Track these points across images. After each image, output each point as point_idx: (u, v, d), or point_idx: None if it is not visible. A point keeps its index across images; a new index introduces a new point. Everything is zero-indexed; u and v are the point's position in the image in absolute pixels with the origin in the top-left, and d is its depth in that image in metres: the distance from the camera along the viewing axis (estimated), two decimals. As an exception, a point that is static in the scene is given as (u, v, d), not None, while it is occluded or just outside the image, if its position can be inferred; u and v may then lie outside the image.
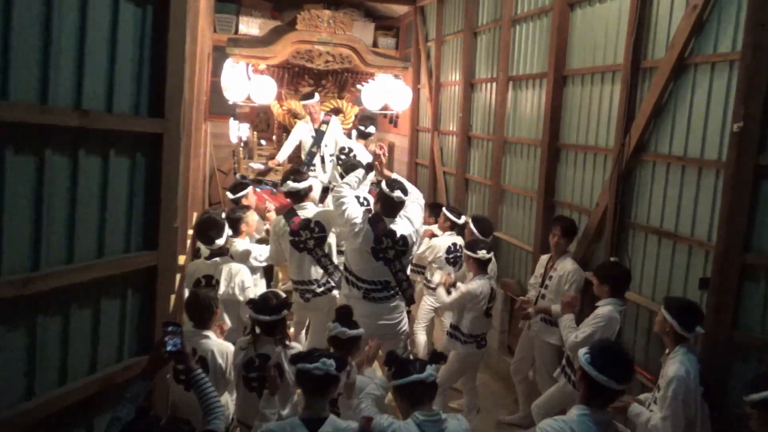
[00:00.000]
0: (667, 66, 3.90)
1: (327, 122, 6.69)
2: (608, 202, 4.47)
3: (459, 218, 5.63)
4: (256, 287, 4.62)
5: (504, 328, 6.14)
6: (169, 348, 2.28)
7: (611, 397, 2.42)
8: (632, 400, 3.26)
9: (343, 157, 6.15)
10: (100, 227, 2.27)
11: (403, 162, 9.76)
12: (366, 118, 6.61)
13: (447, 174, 8.01)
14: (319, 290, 4.54)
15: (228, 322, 4.08)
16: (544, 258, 4.89)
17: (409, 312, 4.45)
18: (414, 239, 4.13)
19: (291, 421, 2.53)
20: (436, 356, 2.71)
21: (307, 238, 4.45)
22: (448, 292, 4.74)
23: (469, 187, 7.32)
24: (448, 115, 8.01)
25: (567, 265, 4.57)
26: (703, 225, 3.73)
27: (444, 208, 5.74)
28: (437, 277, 5.11)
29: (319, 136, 6.62)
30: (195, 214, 6.16)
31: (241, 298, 4.05)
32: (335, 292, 4.58)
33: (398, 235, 4.03)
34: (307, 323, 5.02)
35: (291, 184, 4.47)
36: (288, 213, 4.52)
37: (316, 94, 6.73)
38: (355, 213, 4.06)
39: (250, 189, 5.44)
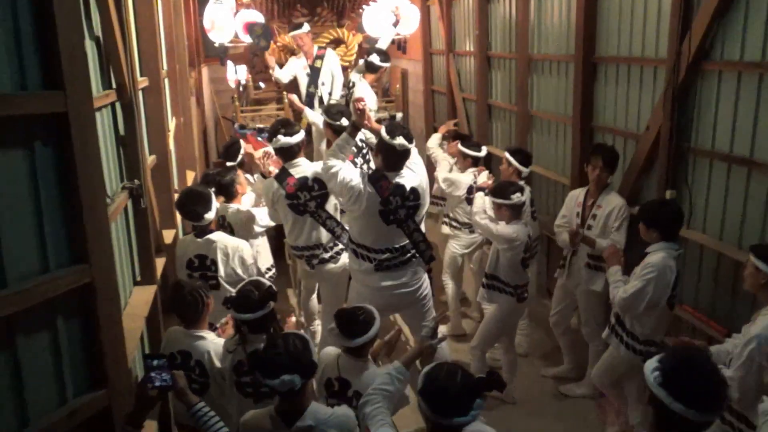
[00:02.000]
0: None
1: (321, 57, 5.88)
2: (661, 124, 3.70)
3: (479, 151, 4.93)
4: (259, 255, 4.10)
5: (542, 269, 5.55)
6: (157, 384, 1.97)
7: (690, 428, 1.74)
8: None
9: (343, 92, 5.42)
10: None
11: (417, 90, 8.91)
12: (378, 51, 5.63)
13: (467, 101, 7.19)
14: (326, 255, 3.98)
15: None
16: (576, 193, 4.17)
17: (430, 270, 3.87)
18: (425, 188, 3.49)
19: (269, 410, 2.17)
20: (491, 381, 1.95)
21: (307, 200, 3.85)
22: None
23: (493, 114, 6.53)
24: (463, 33, 7.09)
25: (614, 200, 3.87)
26: (789, 148, 2.96)
27: (460, 144, 4.99)
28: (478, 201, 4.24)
29: (314, 73, 5.84)
30: (192, 176, 5.57)
31: (245, 276, 3.53)
32: (344, 259, 4.01)
33: (407, 189, 3.38)
34: (316, 288, 4.51)
35: (282, 139, 3.81)
36: (280, 174, 3.89)
37: (306, 24, 5.88)
38: (350, 175, 3.41)
39: (243, 147, 4.81)
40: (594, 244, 3.84)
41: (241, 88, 7.86)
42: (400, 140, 3.28)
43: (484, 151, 4.98)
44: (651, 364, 1.81)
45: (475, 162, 4.92)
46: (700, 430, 1.77)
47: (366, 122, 3.47)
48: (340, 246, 3.99)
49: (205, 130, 8.37)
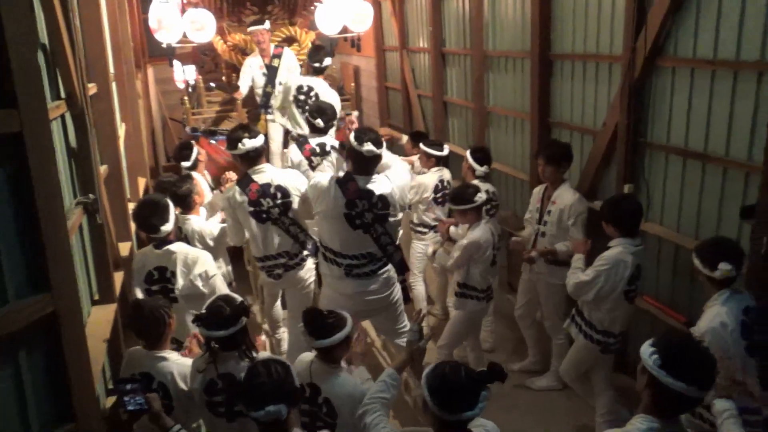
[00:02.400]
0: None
1: (279, 55, 5.77)
2: (618, 120, 3.78)
3: (441, 150, 4.89)
4: (220, 269, 3.96)
5: (503, 263, 5.61)
6: (130, 408, 1.99)
7: (687, 404, 1.88)
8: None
9: (301, 97, 5.31)
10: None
11: (371, 87, 8.87)
12: (316, 50, 5.59)
13: (422, 98, 7.20)
14: (291, 262, 3.88)
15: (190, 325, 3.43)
16: (538, 189, 4.22)
17: (404, 281, 3.83)
18: (397, 198, 3.43)
19: None
20: (494, 373, 1.99)
21: (270, 207, 3.74)
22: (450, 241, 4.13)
23: (449, 111, 6.55)
24: (416, 29, 7.09)
25: (566, 196, 3.91)
26: (741, 142, 3.08)
27: (422, 144, 4.95)
28: (429, 249, 4.46)
29: (271, 72, 5.72)
30: (143, 182, 5.35)
31: (206, 291, 3.38)
32: (310, 262, 3.94)
33: (376, 195, 3.33)
34: (280, 294, 4.40)
35: (247, 143, 3.66)
36: (242, 180, 3.75)
37: (267, 21, 5.76)
38: (321, 176, 3.36)
39: (195, 151, 4.64)
40: (555, 254, 3.88)
41: (190, 89, 7.61)
42: (368, 146, 3.23)
43: (446, 150, 4.96)
44: (646, 348, 1.92)
45: (438, 161, 4.90)
46: (693, 406, 1.90)
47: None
48: (306, 252, 3.91)
49: (153, 133, 8.07)
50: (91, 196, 2.74)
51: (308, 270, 3.96)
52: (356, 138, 3.27)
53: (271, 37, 6.29)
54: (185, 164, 4.67)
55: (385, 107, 8.49)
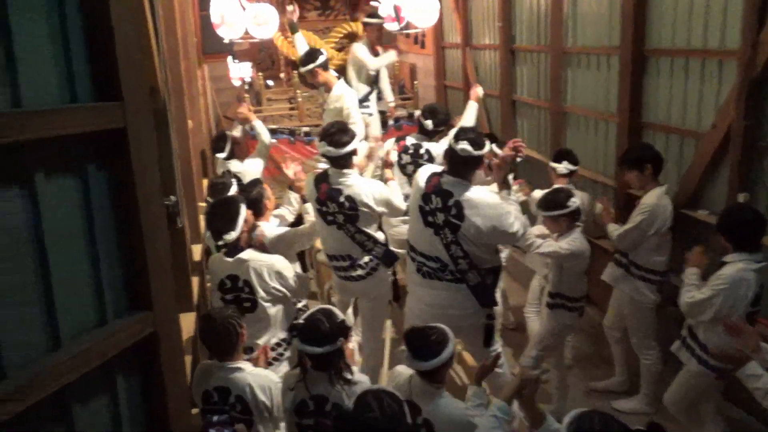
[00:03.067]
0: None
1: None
2: (732, 122, 3.41)
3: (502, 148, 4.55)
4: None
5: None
6: None
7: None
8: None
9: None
10: (47, 301, 1.35)
11: (428, 86, 8.57)
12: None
13: (487, 96, 6.86)
14: (355, 273, 3.64)
15: (279, 317, 3.21)
16: None
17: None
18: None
19: None
20: None
21: (335, 212, 3.53)
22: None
23: (518, 110, 6.22)
24: (482, 25, 6.77)
25: (648, 198, 3.60)
26: None
27: (494, 145, 4.54)
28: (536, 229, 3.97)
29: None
30: (205, 183, 5.21)
31: (287, 292, 3.17)
32: (383, 272, 3.68)
33: (453, 198, 3.03)
34: (353, 302, 4.18)
35: (328, 148, 3.45)
36: (319, 177, 3.60)
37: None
38: (427, 167, 3.36)
39: (229, 140, 4.54)
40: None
41: (246, 86, 7.49)
42: (462, 145, 2.96)
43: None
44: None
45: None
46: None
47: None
48: (374, 261, 3.64)
49: (209, 131, 7.98)
50: (172, 198, 2.56)
51: (381, 280, 3.71)
52: (455, 136, 3.02)
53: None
54: (220, 155, 4.60)
55: (443, 107, 8.19)
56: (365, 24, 5.83)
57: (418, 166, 4.25)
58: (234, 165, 4.69)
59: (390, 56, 5.86)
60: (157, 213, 1.58)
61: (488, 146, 3.18)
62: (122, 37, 1.45)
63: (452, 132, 3.15)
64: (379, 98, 5.89)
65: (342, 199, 3.49)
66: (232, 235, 3.06)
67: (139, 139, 1.50)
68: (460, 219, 3.00)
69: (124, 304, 1.57)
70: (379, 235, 3.64)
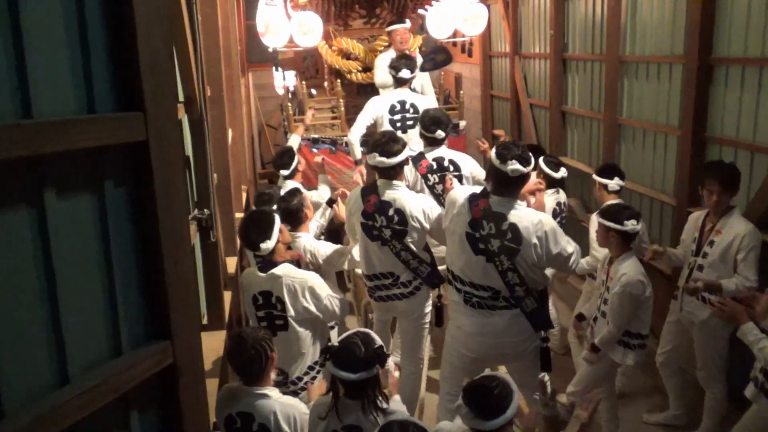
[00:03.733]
0: None
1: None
2: (813, 138, 3.09)
3: (557, 171, 4.25)
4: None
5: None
6: None
7: None
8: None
9: (396, 117, 4.84)
10: (54, 331, 1.22)
11: (473, 96, 8.36)
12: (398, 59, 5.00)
13: (535, 107, 6.62)
14: (398, 291, 3.44)
15: (308, 342, 3.07)
16: (696, 216, 3.60)
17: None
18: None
19: None
20: None
21: (383, 226, 3.34)
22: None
23: (568, 122, 5.94)
24: (531, 34, 6.53)
25: (737, 227, 3.28)
26: None
27: (541, 159, 4.27)
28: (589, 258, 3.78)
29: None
30: (245, 192, 5.12)
31: (318, 313, 3.02)
32: (426, 292, 3.49)
33: (508, 221, 2.82)
34: (391, 321, 3.98)
35: (380, 159, 3.30)
36: (367, 188, 3.44)
37: (407, 20, 5.41)
38: (461, 188, 3.16)
39: (296, 160, 4.38)
40: (721, 290, 3.22)
41: (290, 95, 7.44)
42: (513, 165, 2.74)
43: (562, 172, 4.29)
44: None
45: (554, 183, 4.27)
46: None
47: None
48: (419, 280, 3.45)
49: (252, 139, 7.97)
50: (206, 211, 2.44)
51: (423, 300, 3.51)
52: (498, 155, 2.80)
53: (377, 40, 5.96)
54: (284, 172, 4.44)
55: (489, 117, 7.97)
56: (388, 33, 5.55)
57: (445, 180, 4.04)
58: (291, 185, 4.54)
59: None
60: (180, 233, 1.45)
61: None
62: (146, 42, 1.32)
63: (493, 151, 2.92)
64: None
65: (391, 212, 3.32)
66: (268, 244, 2.92)
67: (163, 153, 1.37)
68: (518, 243, 2.79)
69: (141, 334, 1.43)
70: (425, 255, 3.43)
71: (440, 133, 3.98)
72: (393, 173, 3.34)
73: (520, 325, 2.92)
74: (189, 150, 2.55)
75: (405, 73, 4.80)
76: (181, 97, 2.42)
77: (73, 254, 1.26)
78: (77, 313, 1.28)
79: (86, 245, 1.30)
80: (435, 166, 4.05)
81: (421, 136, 4.12)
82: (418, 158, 4.11)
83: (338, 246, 3.53)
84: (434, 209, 3.34)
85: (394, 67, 4.80)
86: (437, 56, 5.38)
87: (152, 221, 1.39)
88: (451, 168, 4.05)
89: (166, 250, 1.41)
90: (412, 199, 3.34)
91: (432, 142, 4.04)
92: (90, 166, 1.29)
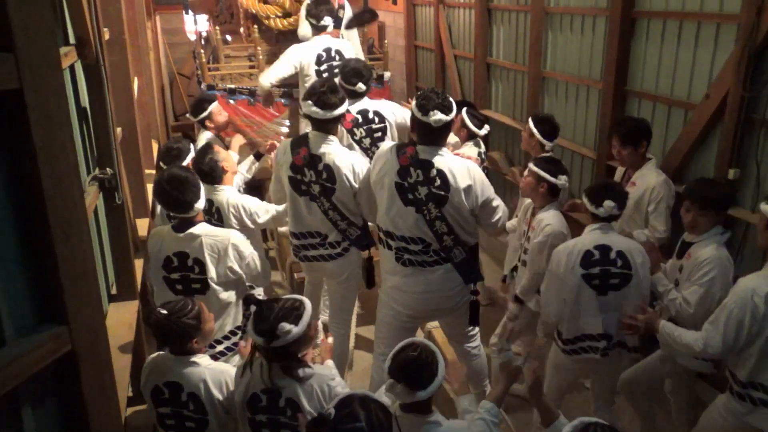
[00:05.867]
0: None
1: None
2: (729, 92, 3.18)
3: (480, 128, 4.16)
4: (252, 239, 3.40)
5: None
6: None
7: None
8: None
9: (323, 67, 4.55)
10: None
11: (397, 46, 8.16)
12: (316, 3, 4.61)
13: (460, 58, 6.53)
14: (324, 252, 3.30)
15: (231, 302, 2.91)
16: (619, 171, 3.69)
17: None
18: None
19: None
20: None
21: (311, 181, 3.17)
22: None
23: (493, 74, 5.90)
24: (456, -19, 6.36)
25: (649, 178, 3.36)
26: None
27: (464, 110, 4.16)
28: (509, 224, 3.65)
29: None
30: (157, 147, 4.74)
31: (242, 272, 2.87)
32: (355, 253, 3.37)
33: (435, 168, 2.75)
34: (322, 283, 3.84)
35: (315, 109, 3.07)
36: (298, 140, 3.22)
37: None
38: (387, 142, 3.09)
39: (214, 105, 4.07)
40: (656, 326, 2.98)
41: (203, 42, 6.93)
42: (435, 116, 2.66)
43: (485, 130, 4.20)
44: None
45: (470, 136, 4.22)
46: None
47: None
48: (347, 242, 3.32)
49: (162, 90, 7.41)
50: (109, 170, 2.17)
51: (350, 263, 3.37)
52: (419, 107, 2.69)
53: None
54: (194, 118, 4.12)
55: (413, 68, 7.81)
56: None
57: (372, 132, 3.90)
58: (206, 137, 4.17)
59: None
60: (69, 198, 1.23)
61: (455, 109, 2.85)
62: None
63: (413, 102, 2.80)
64: None
65: (321, 167, 3.14)
66: (200, 205, 2.78)
67: (42, 104, 1.13)
68: (446, 190, 2.75)
69: (30, 319, 1.22)
70: (355, 218, 3.27)
71: (361, 86, 3.78)
72: (328, 127, 3.14)
73: (453, 280, 2.91)
74: (85, 101, 2.24)
75: (327, 21, 4.52)
76: (71, 39, 2.10)
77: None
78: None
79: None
80: (360, 119, 3.87)
81: (341, 88, 3.90)
82: None
83: (264, 203, 3.33)
84: (363, 169, 3.16)
85: (314, 15, 4.50)
86: (364, 15, 5.08)
87: (34, 185, 1.16)
88: (377, 120, 3.89)
89: (53, 219, 1.19)
90: (343, 156, 3.16)
91: (353, 95, 3.82)
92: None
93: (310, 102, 3.05)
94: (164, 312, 2.21)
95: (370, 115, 3.90)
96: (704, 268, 2.72)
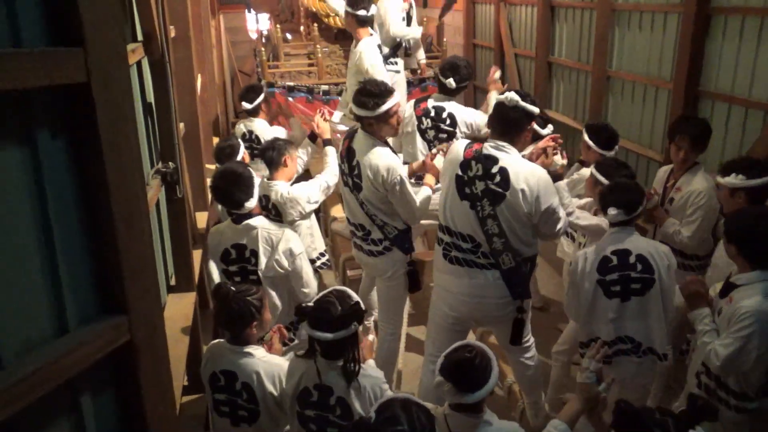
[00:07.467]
0: None
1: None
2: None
3: (544, 127, 3.89)
4: (312, 237, 3.42)
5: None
6: None
7: None
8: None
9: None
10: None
11: (455, 44, 8.06)
12: None
13: (520, 57, 6.38)
14: (367, 248, 3.25)
15: (278, 304, 2.97)
16: (663, 171, 3.43)
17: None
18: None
19: None
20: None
21: (347, 174, 3.17)
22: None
23: (555, 73, 5.74)
24: (519, -21, 6.22)
25: (697, 184, 3.11)
26: None
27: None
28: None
29: (409, 20, 5.02)
30: (215, 142, 4.85)
31: (288, 267, 2.89)
32: (398, 254, 3.24)
33: (498, 164, 2.64)
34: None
35: (350, 106, 3.11)
36: (349, 133, 3.23)
37: None
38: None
39: (262, 95, 4.40)
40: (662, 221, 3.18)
41: (264, 40, 7.05)
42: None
43: (548, 129, 3.95)
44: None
45: (536, 138, 4.01)
46: None
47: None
48: (387, 240, 3.24)
49: (223, 86, 7.59)
50: (171, 164, 2.22)
51: (394, 262, 3.25)
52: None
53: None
54: (247, 106, 4.51)
55: (473, 66, 7.69)
56: None
57: (439, 131, 3.86)
58: (258, 124, 4.49)
59: (416, 31, 5.19)
60: (132, 191, 1.25)
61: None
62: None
63: (492, 97, 2.73)
64: (407, 54, 5.35)
65: (354, 162, 3.11)
66: (252, 203, 2.84)
67: (108, 97, 1.15)
68: (505, 188, 2.61)
69: (91, 308, 1.25)
70: (390, 219, 3.17)
71: (451, 83, 3.77)
72: (365, 125, 3.09)
73: (499, 289, 2.77)
74: (151, 96, 2.30)
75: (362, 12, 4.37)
76: (139, 36, 2.15)
77: (1, 218, 1.06)
78: (6, 287, 1.08)
79: (16, 209, 1.09)
80: (433, 113, 3.86)
81: (436, 78, 3.93)
82: (422, 99, 4.01)
83: (310, 181, 3.34)
84: (394, 175, 2.98)
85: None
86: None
87: (99, 178, 1.18)
88: (448, 121, 3.86)
89: (117, 210, 1.21)
90: (375, 156, 3.02)
91: (442, 89, 3.85)
92: (18, 114, 1.07)
93: (354, 104, 3.04)
94: (233, 288, 2.25)
95: (444, 115, 3.87)
96: (744, 320, 2.24)
